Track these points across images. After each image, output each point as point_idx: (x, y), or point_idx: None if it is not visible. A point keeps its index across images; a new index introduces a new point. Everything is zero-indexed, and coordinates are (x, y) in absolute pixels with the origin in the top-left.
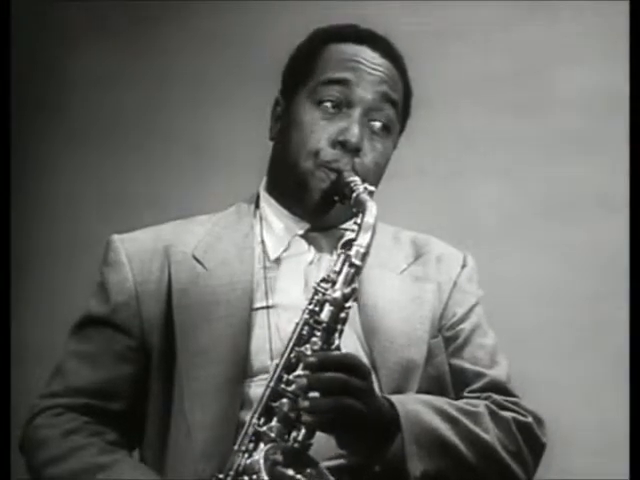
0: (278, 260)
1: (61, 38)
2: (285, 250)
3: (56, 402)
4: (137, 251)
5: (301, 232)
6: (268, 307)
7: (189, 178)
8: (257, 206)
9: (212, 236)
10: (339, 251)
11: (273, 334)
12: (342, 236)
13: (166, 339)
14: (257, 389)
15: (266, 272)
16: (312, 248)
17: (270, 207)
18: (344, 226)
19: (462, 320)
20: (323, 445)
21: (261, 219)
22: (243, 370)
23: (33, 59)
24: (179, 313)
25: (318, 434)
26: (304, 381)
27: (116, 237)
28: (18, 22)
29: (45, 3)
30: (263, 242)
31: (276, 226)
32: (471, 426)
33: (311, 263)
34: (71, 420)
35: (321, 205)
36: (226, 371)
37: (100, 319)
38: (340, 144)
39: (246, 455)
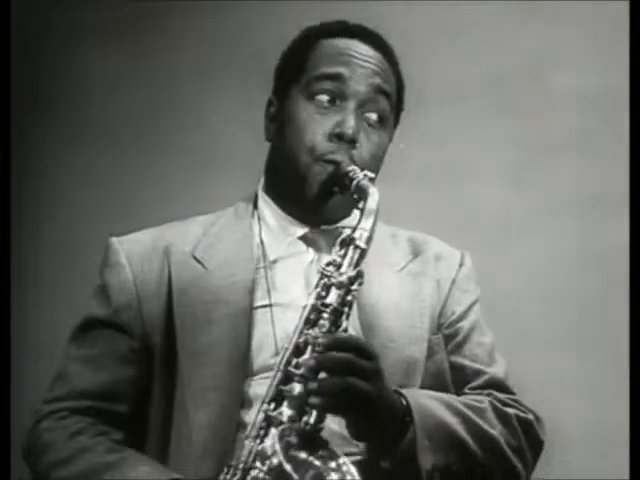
0: (277, 261)
1: (63, 38)
2: (284, 250)
3: (60, 406)
4: (137, 252)
5: (299, 234)
6: (271, 305)
7: (191, 178)
8: (255, 207)
9: (212, 236)
10: (338, 247)
11: (276, 331)
12: (340, 234)
13: (167, 339)
14: (258, 388)
15: (266, 272)
16: (310, 249)
17: (268, 208)
18: (342, 224)
19: (461, 318)
20: (334, 441)
21: (259, 220)
22: (244, 369)
23: (34, 59)
24: (180, 313)
25: (328, 431)
26: (312, 362)
27: (115, 239)
28: (19, 22)
29: (46, 3)
30: (262, 243)
31: (274, 227)
32: (478, 421)
33: (311, 263)
34: (76, 422)
35: (320, 198)
36: (227, 371)
37: (102, 321)
38: (336, 137)
39: (257, 441)
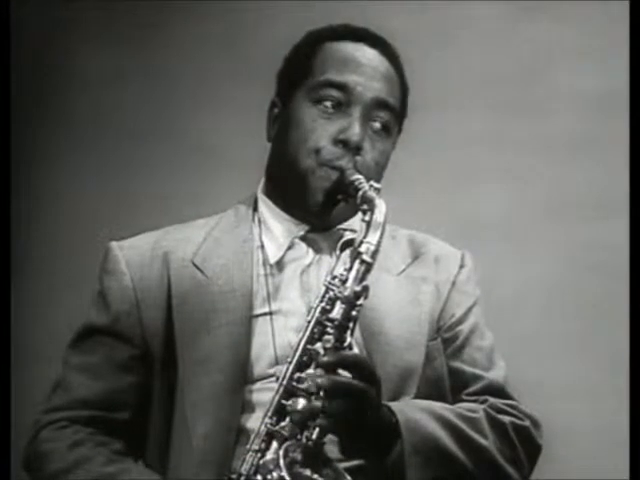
0: (278, 264)
1: (62, 37)
2: (285, 253)
3: (60, 416)
4: (136, 258)
5: (300, 234)
6: (271, 313)
7: (190, 178)
8: (255, 209)
9: (211, 241)
10: (339, 251)
11: (276, 340)
12: (341, 237)
13: (167, 347)
14: (258, 395)
15: (267, 278)
16: (310, 250)
17: (268, 210)
18: (343, 226)
19: (460, 321)
20: (331, 448)
21: (260, 222)
22: (244, 377)
23: (33, 59)
24: (179, 321)
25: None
26: (318, 381)
27: (114, 244)
28: (18, 22)
29: (45, 3)
30: (263, 246)
31: (275, 229)
32: (470, 433)
33: (309, 266)
34: (76, 432)
35: (324, 204)
36: (227, 379)
37: (101, 329)
38: (341, 143)
39: (259, 455)
